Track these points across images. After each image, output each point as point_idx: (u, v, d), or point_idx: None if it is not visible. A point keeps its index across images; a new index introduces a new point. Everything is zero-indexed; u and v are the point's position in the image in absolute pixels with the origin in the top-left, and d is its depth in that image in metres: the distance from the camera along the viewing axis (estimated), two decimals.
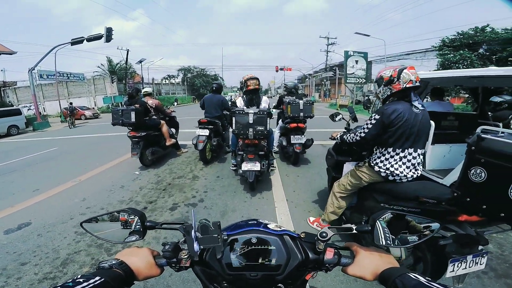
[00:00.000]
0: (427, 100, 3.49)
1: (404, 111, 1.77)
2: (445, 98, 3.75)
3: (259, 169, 3.67)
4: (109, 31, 15.07)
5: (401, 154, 1.86)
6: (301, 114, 4.64)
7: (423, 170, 2.17)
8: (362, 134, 1.99)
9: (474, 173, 1.37)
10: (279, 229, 0.72)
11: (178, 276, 2.12)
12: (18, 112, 14.28)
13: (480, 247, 1.56)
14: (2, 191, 4.48)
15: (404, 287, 0.49)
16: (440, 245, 1.54)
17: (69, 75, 24.79)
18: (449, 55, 15.72)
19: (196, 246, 0.60)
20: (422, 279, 0.50)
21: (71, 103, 17.21)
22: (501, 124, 2.77)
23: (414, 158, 1.87)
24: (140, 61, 31.03)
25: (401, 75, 1.76)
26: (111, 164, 5.86)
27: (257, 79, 4.24)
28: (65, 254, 2.52)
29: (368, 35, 21.61)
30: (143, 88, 8.05)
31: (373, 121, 1.88)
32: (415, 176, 1.93)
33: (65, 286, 0.46)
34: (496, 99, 3.54)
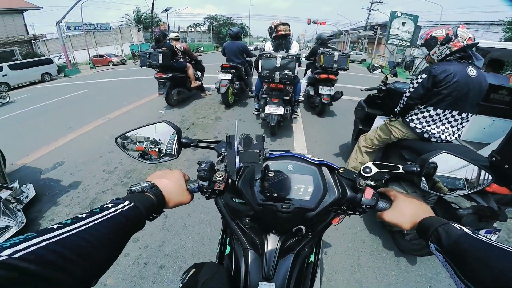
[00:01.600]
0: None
1: (455, 73, 1.63)
2: (502, 73, 3.35)
3: (282, 113, 3.59)
4: None
5: (441, 115, 1.77)
6: (335, 65, 4.35)
7: (456, 139, 2.04)
8: (408, 94, 1.88)
9: None
10: (318, 159, 0.66)
11: (195, 217, 2.23)
12: (49, 61, 15.20)
13: (494, 224, 1.51)
14: (40, 129, 4.79)
15: (449, 237, 0.44)
16: (459, 214, 1.49)
17: (96, 26, 25.93)
18: None
19: (237, 162, 0.52)
20: (467, 230, 0.44)
21: (133, 50, 23.09)
22: None
23: (456, 121, 1.78)
24: (166, 10, 30.55)
25: (457, 33, 1.62)
26: (138, 103, 6.08)
27: (288, 24, 3.93)
28: (93, 193, 2.61)
29: None
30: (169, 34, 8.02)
31: (420, 80, 1.78)
32: (450, 138, 1.85)
33: (92, 212, 0.43)
34: None
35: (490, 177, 0.61)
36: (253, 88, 4.74)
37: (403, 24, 21.13)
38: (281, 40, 3.93)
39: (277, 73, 3.43)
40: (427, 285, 1.71)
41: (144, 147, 0.72)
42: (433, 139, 1.85)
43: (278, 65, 3.42)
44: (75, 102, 7.02)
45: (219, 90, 4.92)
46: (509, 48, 2.52)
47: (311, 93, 4.92)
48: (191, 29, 44.21)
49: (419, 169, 0.60)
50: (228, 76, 4.89)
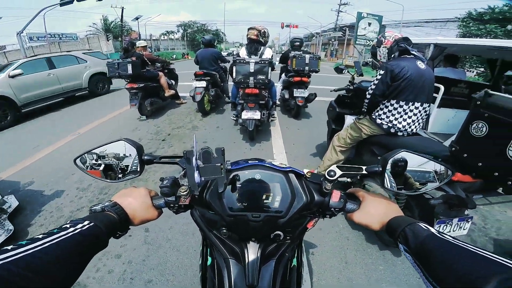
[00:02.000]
0: (439, 66, 3.47)
1: (408, 66, 1.81)
2: (459, 67, 3.64)
3: (259, 117, 3.64)
4: None
5: (405, 107, 1.88)
6: (306, 68, 4.51)
7: (424, 131, 2.17)
8: (370, 91, 2.00)
9: (476, 127, 1.38)
10: (284, 165, 0.67)
11: (178, 229, 2.18)
12: None
13: (466, 212, 1.58)
14: (3, 150, 4.29)
15: (415, 237, 0.44)
16: (430, 204, 1.55)
17: (61, 36, 24.88)
18: (472, 28, 15.41)
19: (197, 177, 0.52)
20: (433, 230, 0.45)
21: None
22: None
23: (420, 112, 1.91)
24: (137, 18, 29.75)
25: (385, 34, 2.06)
26: (110, 116, 5.78)
27: (255, 28, 3.99)
28: (68, 211, 2.50)
29: None
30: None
31: (379, 77, 1.92)
32: (416, 130, 1.97)
33: (49, 232, 0.42)
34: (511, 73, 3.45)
35: (452, 172, 0.64)
36: (230, 94, 4.77)
37: (369, 24, 22.05)
38: (251, 44, 4.00)
39: (251, 78, 3.50)
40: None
41: (107, 166, 0.70)
42: (400, 133, 1.96)
43: (251, 70, 3.48)
44: (41, 117, 6.49)
45: (194, 98, 4.86)
46: (461, 43, 2.73)
47: (286, 96, 5.04)
48: (164, 37, 43.28)
49: (381, 169, 0.61)
50: (203, 84, 4.85)
